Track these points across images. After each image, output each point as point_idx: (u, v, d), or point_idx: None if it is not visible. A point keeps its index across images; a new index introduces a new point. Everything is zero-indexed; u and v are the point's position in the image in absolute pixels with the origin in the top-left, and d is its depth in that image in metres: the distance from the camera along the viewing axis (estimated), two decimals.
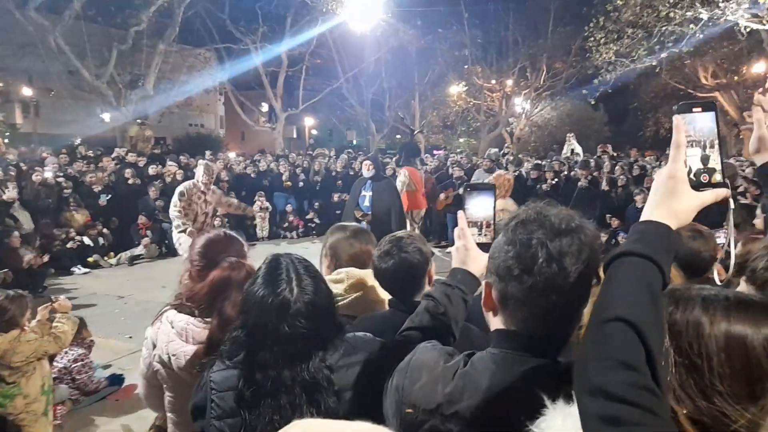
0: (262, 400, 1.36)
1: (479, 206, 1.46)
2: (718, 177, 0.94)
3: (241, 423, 1.37)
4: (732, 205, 0.98)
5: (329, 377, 1.38)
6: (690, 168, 0.94)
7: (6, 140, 16.84)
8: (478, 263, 1.40)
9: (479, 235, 1.43)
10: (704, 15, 13.24)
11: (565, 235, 1.02)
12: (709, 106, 0.96)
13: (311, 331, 1.38)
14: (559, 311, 1.02)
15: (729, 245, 0.98)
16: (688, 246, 1.69)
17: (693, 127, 0.95)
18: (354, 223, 2.39)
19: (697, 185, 0.93)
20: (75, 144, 12.93)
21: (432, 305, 1.41)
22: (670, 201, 0.91)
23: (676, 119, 0.95)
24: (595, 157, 11.98)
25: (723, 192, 0.93)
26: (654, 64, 16.07)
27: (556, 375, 1.02)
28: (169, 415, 1.89)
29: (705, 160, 0.94)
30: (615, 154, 13.20)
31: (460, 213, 1.44)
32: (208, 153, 14.05)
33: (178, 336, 1.79)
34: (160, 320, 1.86)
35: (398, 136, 29.68)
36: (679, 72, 21.79)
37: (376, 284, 2.21)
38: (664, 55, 15.54)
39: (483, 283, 1.15)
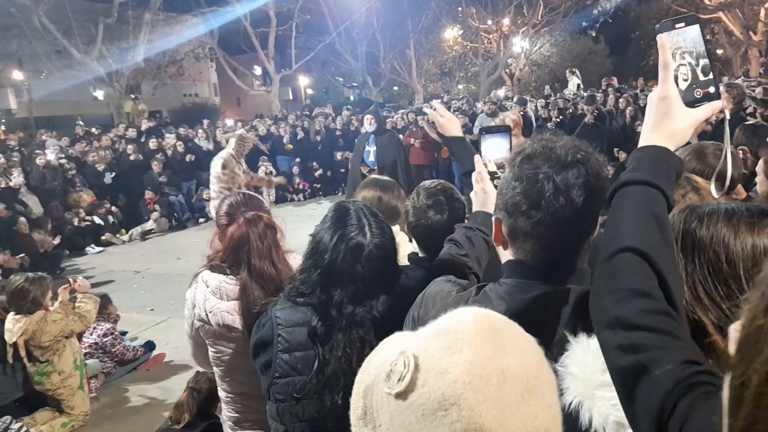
0: (333, 336, 1.45)
1: (494, 148, 1.49)
2: (711, 89, 0.91)
3: (314, 356, 1.45)
4: (727, 116, 0.96)
5: (394, 319, 1.45)
6: (681, 85, 0.92)
7: (3, 127, 16.76)
8: None
9: (496, 176, 1.44)
10: None
11: (571, 167, 1.02)
12: (691, 19, 0.94)
13: (381, 271, 1.47)
14: (567, 241, 1.04)
15: (725, 159, 0.96)
16: (715, 165, 1.71)
17: (680, 42, 0.93)
18: (384, 177, 2.40)
19: (691, 101, 0.91)
20: (79, 124, 12.80)
21: (454, 248, 1.47)
22: (665, 122, 0.89)
23: (660, 38, 0.92)
24: (600, 90, 11.71)
25: (718, 104, 0.91)
26: None
27: (564, 301, 1.04)
28: (215, 369, 2.00)
29: (695, 73, 0.92)
30: (620, 86, 12.90)
31: (476, 157, 1.46)
32: (206, 122, 13.91)
33: (213, 294, 1.89)
34: (196, 281, 1.96)
35: (395, 88, 29.14)
36: None
37: (399, 240, 2.22)
38: None
39: (493, 218, 1.16)
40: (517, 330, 0.67)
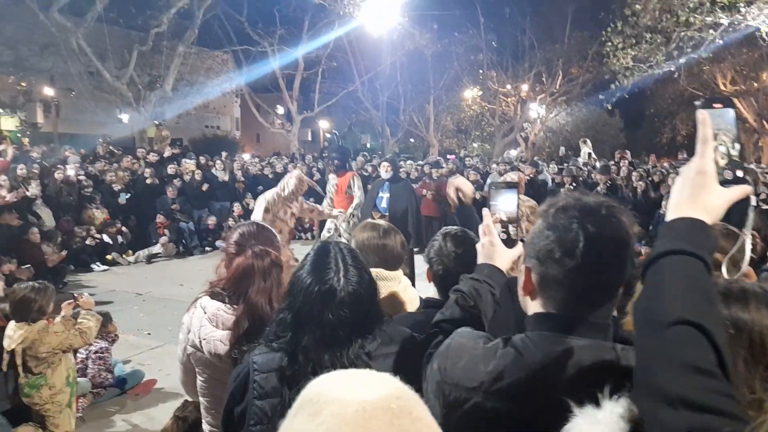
0: (302, 380, 1.39)
1: (504, 203, 1.49)
2: (740, 173, 0.94)
3: (281, 400, 1.41)
4: (753, 201, 0.97)
5: (368, 364, 1.41)
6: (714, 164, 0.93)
7: (27, 139, 17.15)
8: (504, 258, 1.44)
9: (504, 231, 1.46)
10: (724, 20, 13.11)
11: (605, 219, 1.05)
12: (728, 102, 0.98)
13: (353, 319, 1.43)
14: (598, 293, 1.06)
15: (744, 242, 0.97)
16: (722, 245, 1.70)
17: (716, 122, 0.95)
18: (383, 222, 2.40)
19: (721, 182, 0.92)
20: (104, 143, 13.07)
21: (461, 298, 1.44)
22: (702, 196, 0.89)
23: (702, 114, 0.93)
24: (612, 162, 11.92)
25: (748, 189, 0.93)
26: (672, 69, 15.92)
27: (601, 357, 1.03)
28: (201, 399, 1.95)
29: (728, 156, 0.94)
30: (632, 161, 13.11)
31: (485, 210, 1.48)
32: (224, 154, 14.18)
33: (209, 321, 1.86)
34: (194, 306, 1.93)
35: (411, 140, 29.70)
36: (696, 78, 21.61)
37: (404, 285, 2.24)
38: (682, 60, 15.40)
39: (522, 267, 1.17)
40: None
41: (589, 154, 15.15)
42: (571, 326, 1.08)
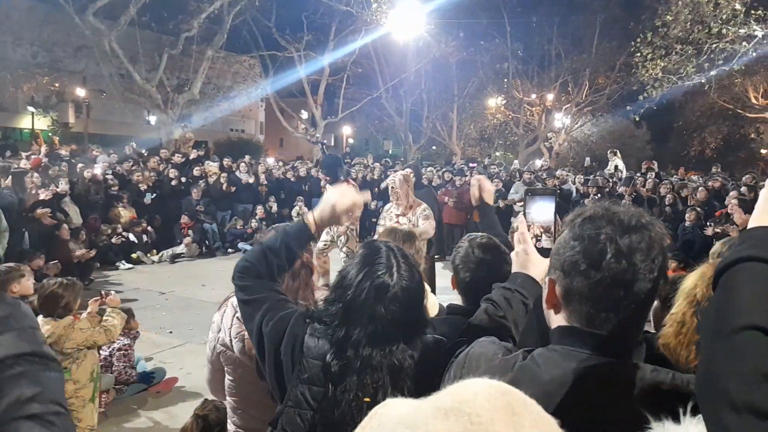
0: (348, 376, 1.38)
1: (540, 211, 1.47)
2: None
3: (324, 394, 1.38)
4: None
5: (412, 365, 1.38)
6: None
7: (58, 138, 17.63)
8: (538, 268, 1.41)
9: (539, 239, 1.43)
10: (759, 32, 12.84)
11: (634, 232, 1.00)
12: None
13: (404, 317, 1.39)
14: (626, 308, 1.00)
15: None
16: None
17: None
18: (404, 228, 2.41)
19: None
20: (131, 145, 13.38)
21: (491, 308, 1.41)
22: None
23: None
24: (638, 174, 11.72)
25: None
26: (702, 81, 15.62)
27: (626, 378, 0.99)
28: (228, 399, 1.95)
29: None
30: (659, 172, 12.85)
31: (520, 217, 1.45)
32: (248, 157, 14.35)
33: (238, 320, 1.87)
34: (225, 304, 1.95)
35: (434, 147, 29.67)
36: (727, 91, 21.17)
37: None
38: (713, 72, 15.11)
39: (546, 279, 1.13)
40: (536, 410, 0.63)
41: (616, 166, 14.91)
42: (596, 343, 1.02)
